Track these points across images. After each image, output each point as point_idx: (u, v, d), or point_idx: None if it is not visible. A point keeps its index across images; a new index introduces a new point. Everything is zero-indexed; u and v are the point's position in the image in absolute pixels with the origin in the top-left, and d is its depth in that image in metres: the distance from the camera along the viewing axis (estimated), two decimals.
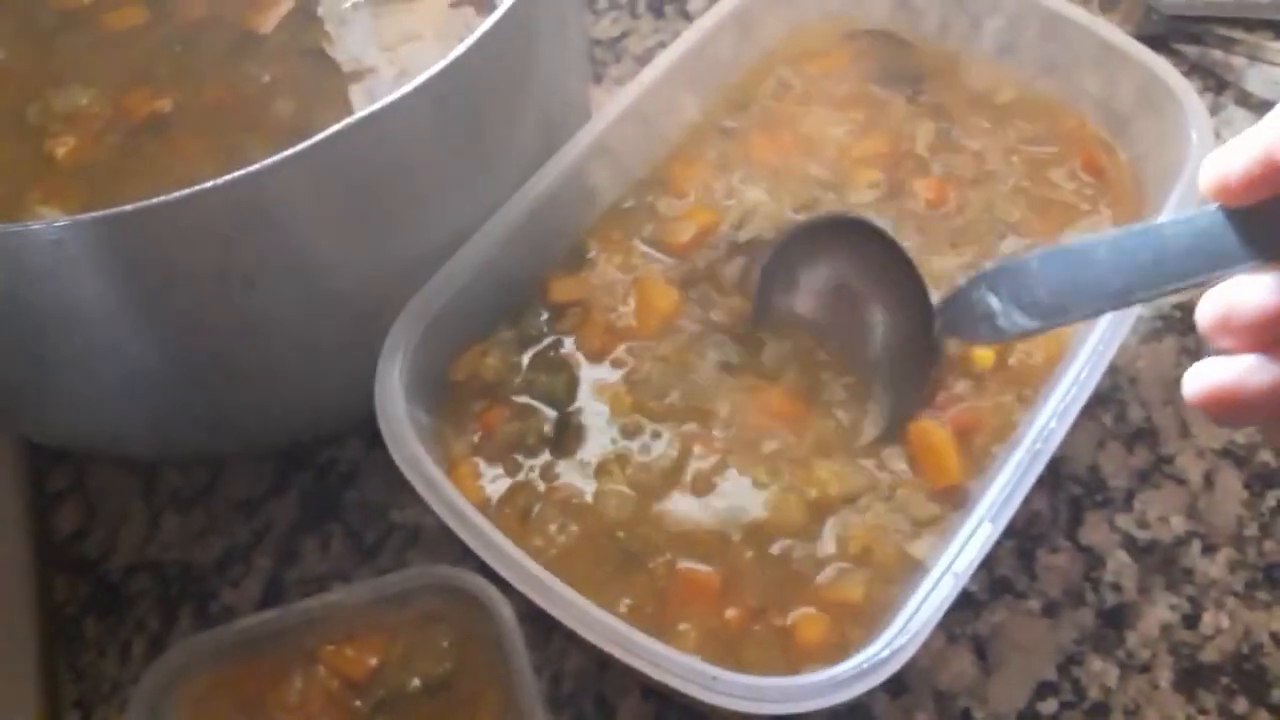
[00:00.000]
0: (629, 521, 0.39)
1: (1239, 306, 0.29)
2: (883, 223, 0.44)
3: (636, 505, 0.39)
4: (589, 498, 0.39)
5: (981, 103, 0.51)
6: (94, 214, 0.34)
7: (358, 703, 0.39)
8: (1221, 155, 0.29)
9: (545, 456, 0.41)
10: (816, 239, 0.44)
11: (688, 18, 0.65)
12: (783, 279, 0.44)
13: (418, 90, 0.37)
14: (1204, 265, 0.30)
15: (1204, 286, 0.30)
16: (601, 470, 0.40)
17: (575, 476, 0.40)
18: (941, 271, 0.44)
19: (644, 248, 0.46)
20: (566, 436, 0.41)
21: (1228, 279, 0.29)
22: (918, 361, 0.41)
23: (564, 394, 0.41)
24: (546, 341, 0.43)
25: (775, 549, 0.38)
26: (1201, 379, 0.30)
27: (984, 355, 0.42)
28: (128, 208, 0.34)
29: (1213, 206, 0.30)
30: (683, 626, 0.37)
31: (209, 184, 0.35)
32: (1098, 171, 0.48)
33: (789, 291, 0.44)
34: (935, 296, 0.42)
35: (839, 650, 0.36)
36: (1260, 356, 0.29)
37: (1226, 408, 0.29)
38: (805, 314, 0.44)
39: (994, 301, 0.36)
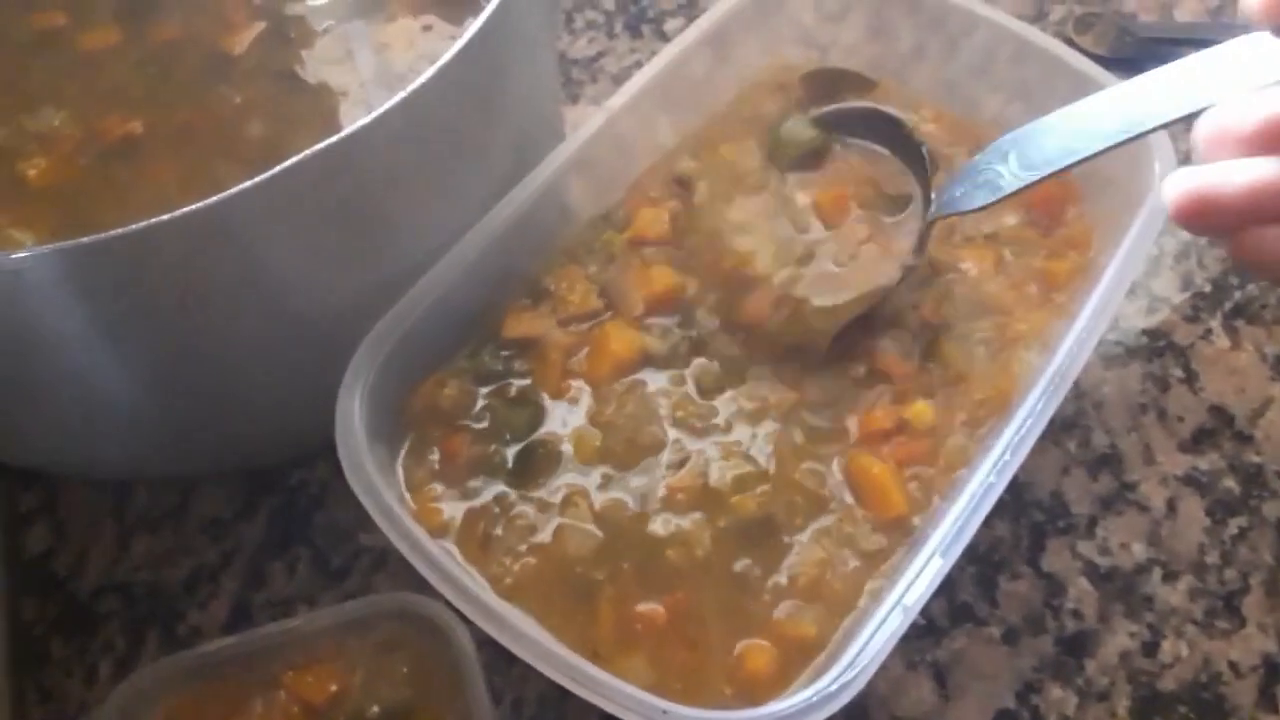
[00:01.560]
0: (588, 557, 0.39)
1: (1235, 118, 0.31)
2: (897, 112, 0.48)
3: (597, 541, 0.39)
4: (550, 530, 0.40)
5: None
6: (52, 245, 0.34)
7: None
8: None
9: (505, 485, 0.41)
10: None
11: (664, 38, 0.65)
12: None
13: (384, 115, 0.37)
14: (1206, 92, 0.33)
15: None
16: (564, 504, 0.40)
17: (536, 507, 0.40)
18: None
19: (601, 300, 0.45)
20: (528, 467, 0.41)
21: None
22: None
23: (525, 427, 0.42)
24: (503, 379, 0.43)
25: (728, 583, 0.39)
26: (1182, 180, 0.31)
27: (922, 410, 0.42)
28: (87, 239, 0.34)
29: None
30: (636, 658, 0.37)
31: (169, 215, 0.35)
32: (1053, 215, 0.48)
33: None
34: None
35: (786, 682, 0.36)
36: (1242, 159, 0.30)
37: (1200, 208, 0.31)
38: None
39: (1000, 169, 0.41)
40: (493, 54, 0.42)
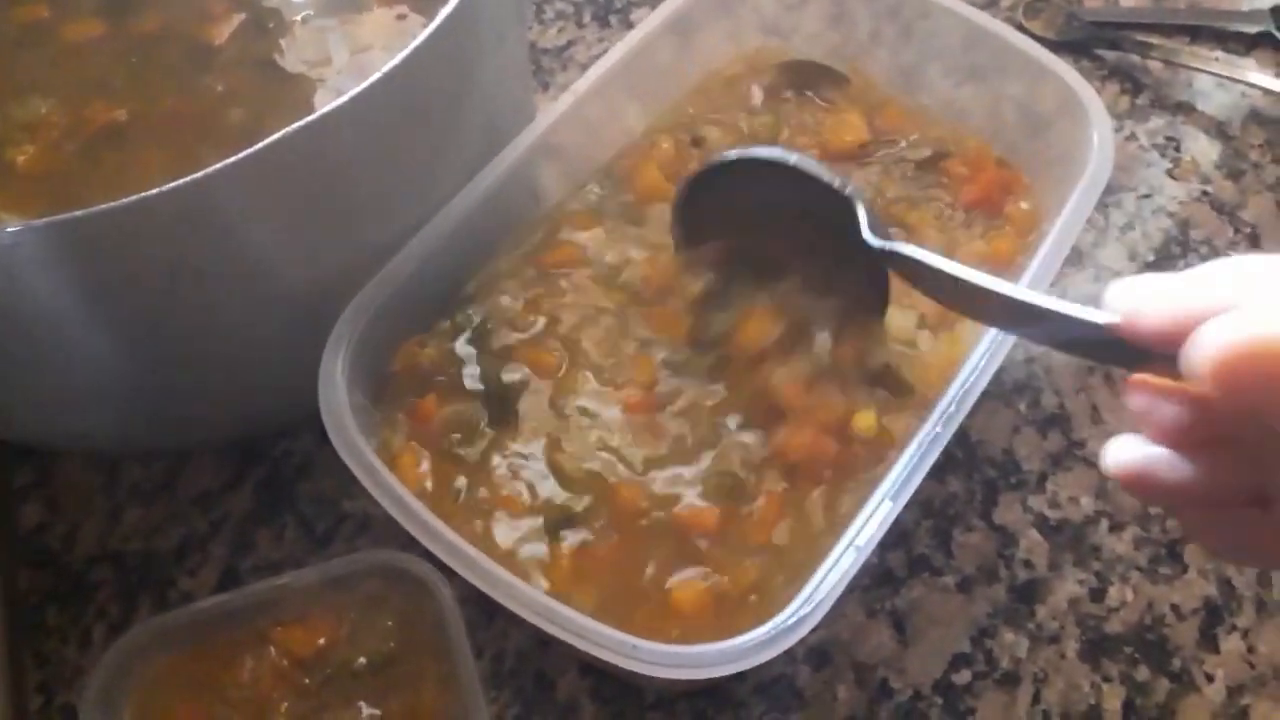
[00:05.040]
0: (564, 503, 0.41)
1: (1160, 411, 0.30)
2: (798, 157, 0.41)
3: (570, 484, 0.42)
4: (525, 477, 0.42)
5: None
6: (48, 219, 0.36)
7: (306, 680, 0.41)
8: (1140, 293, 0.29)
9: (481, 442, 0.43)
10: (734, 177, 0.42)
11: (631, 27, 0.67)
12: (703, 216, 0.44)
13: (357, 98, 0.39)
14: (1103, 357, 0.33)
15: None
16: (533, 448, 0.42)
17: (510, 458, 0.42)
18: None
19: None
20: (503, 418, 0.43)
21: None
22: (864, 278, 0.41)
23: (499, 379, 0.44)
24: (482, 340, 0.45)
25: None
26: (1120, 456, 0.31)
27: (867, 420, 0.42)
28: (79, 213, 0.36)
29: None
30: (590, 592, 0.39)
31: (156, 190, 0.36)
32: (993, 206, 0.50)
33: (712, 225, 0.44)
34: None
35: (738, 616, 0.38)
36: (1174, 453, 0.30)
37: (1142, 489, 0.31)
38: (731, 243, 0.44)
39: None
40: (462, 40, 0.44)
